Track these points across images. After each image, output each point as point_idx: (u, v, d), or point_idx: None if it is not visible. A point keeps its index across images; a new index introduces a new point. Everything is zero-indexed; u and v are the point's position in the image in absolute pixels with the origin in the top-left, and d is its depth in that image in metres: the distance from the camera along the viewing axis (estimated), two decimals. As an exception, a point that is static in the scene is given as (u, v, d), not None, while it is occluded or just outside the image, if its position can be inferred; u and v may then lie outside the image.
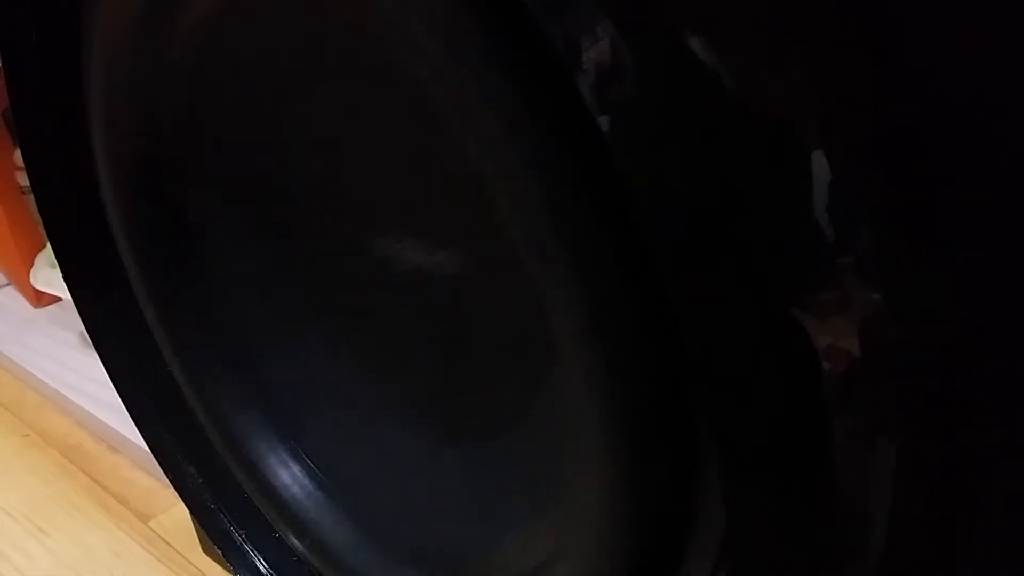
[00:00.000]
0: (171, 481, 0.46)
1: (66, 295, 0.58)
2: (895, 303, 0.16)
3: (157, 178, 0.37)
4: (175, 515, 0.64)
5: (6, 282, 0.99)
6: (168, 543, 0.63)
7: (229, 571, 0.47)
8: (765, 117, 0.16)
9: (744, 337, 0.17)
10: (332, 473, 0.40)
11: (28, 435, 0.76)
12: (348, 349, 0.38)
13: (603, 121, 0.17)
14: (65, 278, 0.44)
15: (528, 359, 0.29)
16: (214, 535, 0.46)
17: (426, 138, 0.27)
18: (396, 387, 0.37)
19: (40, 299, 0.93)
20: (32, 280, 0.88)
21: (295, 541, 0.41)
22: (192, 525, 0.58)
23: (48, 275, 0.85)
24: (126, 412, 0.46)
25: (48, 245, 0.43)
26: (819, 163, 0.16)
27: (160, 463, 0.47)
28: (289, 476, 0.40)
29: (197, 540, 0.60)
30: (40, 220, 0.43)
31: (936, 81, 0.16)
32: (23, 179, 0.89)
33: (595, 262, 0.19)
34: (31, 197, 0.44)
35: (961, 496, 0.18)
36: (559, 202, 0.19)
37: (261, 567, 0.45)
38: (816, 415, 0.17)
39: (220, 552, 0.46)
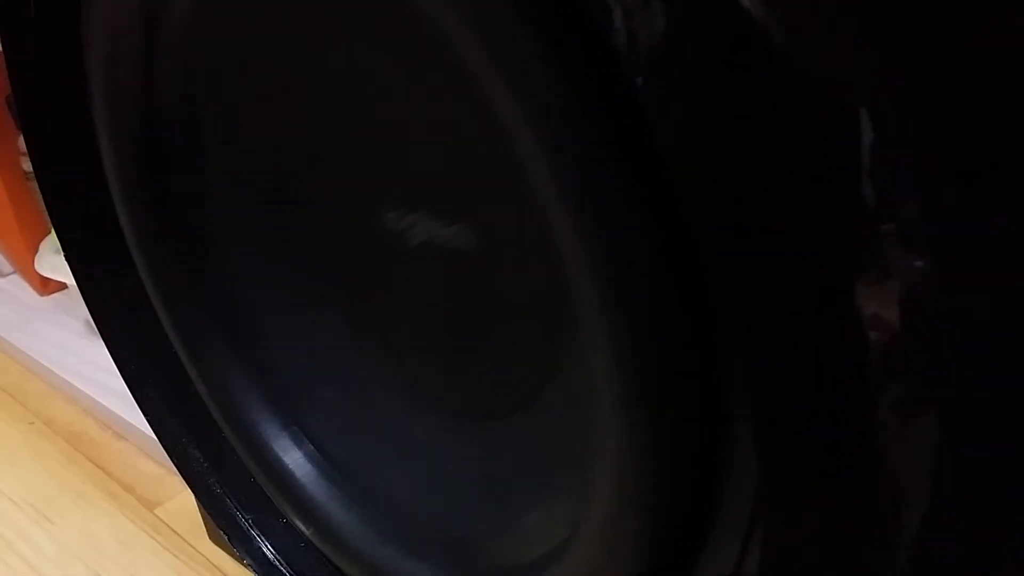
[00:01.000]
0: (176, 465, 0.46)
1: (71, 281, 0.57)
2: (940, 272, 0.16)
3: (160, 157, 0.37)
4: (181, 502, 0.64)
5: (11, 270, 0.99)
6: (174, 531, 0.62)
7: (236, 558, 0.46)
8: (808, 72, 0.15)
9: (785, 306, 0.17)
10: (339, 456, 0.40)
11: (33, 423, 0.76)
12: (356, 328, 0.38)
13: (640, 80, 0.16)
14: (69, 262, 0.44)
15: (544, 334, 0.28)
16: (220, 520, 0.46)
17: (440, 102, 0.26)
18: (405, 367, 0.36)
19: (46, 287, 0.93)
20: (37, 266, 0.87)
21: (302, 526, 0.41)
22: (198, 512, 0.58)
23: (53, 261, 0.85)
24: (132, 399, 0.46)
25: (52, 231, 0.43)
26: (863, 122, 0.15)
27: (165, 447, 0.46)
28: (295, 459, 0.40)
29: (203, 528, 0.60)
30: (44, 206, 0.43)
31: (989, 34, 0.16)
32: (27, 165, 0.88)
33: (624, 226, 0.19)
34: (35, 183, 0.44)
35: (1005, 479, 0.17)
36: (588, 164, 0.18)
37: (268, 553, 0.44)
38: (858, 387, 0.17)
39: (226, 538, 0.46)
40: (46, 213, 0.44)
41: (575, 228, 0.19)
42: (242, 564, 0.46)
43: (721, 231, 0.17)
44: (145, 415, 0.46)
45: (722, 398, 0.20)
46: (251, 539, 0.45)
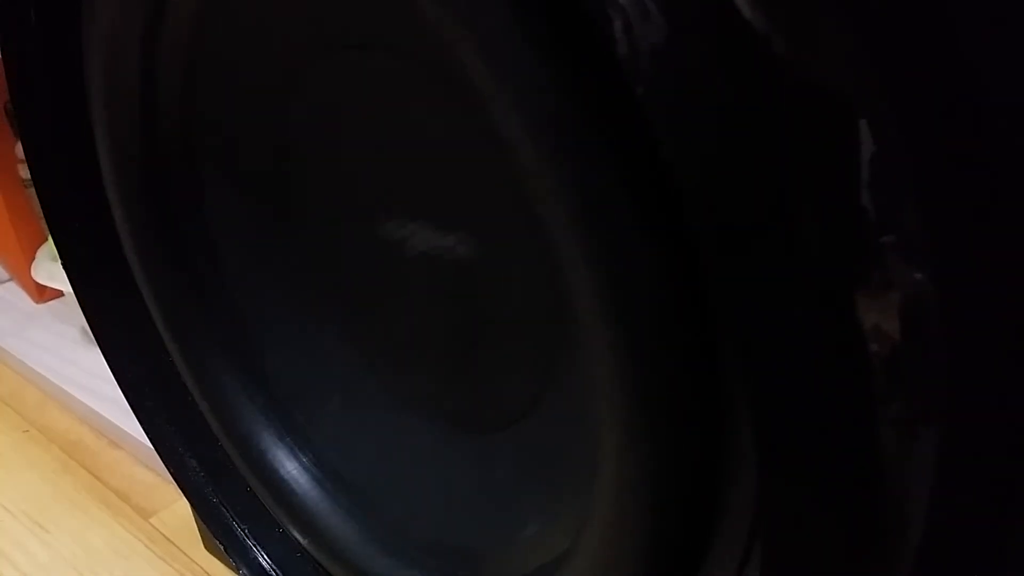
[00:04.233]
0: (172, 475, 0.46)
1: (68, 289, 0.57)
2: (940, 283, 0.16)
3: (160, 167, 0.37)
4: (177, 511, 0.64)
5: (8, 277, 0.99)
6: (170, 540, 0.62)
7: (231, 568, 0.46)
8: (808, 83, 0.16)
9: (786, 317, 0.17)
10: (337, 466, 0.39)
11: (29, 431, 0.76)
12: (355, 339, 0.37)
13: (640, 90, 0.16)
14: (66, 270, 0.44)
15: (545, 344, 0.28)
16: (216, 530, 0.45)
17: (440, 111, 0.26)
18: (404, 377, 0.36)
19: (42, 294, 0.93)
20: (33, 273, 0.87)
21: (299, 536, 0.41)
22: (194, 521, 0.58)
23: (50, 268, 0.85)
24: (128, 407, 0.46)
25: (50, 238, 0.43)
26: (863, 133, 0.15)
27: (161, 456, 0.46)
28: (293, 469, 0.40)
29: (199, 537, 0.60)
30: (41, 213, 0.43)
31: (990, 45, 0.16)
32: (25, 172, 0.88)
33: (625, 237, 0.19)
34: (33, 190, 0.44)
35: (1006, 491, 0.17)
36: (589, 174, 0.18)
37: (264, 563, 0.44)
38: (859, 398, 0.16)
39: (222, 548, 0.45)
40: (43, 220, 0.43)
41: (575, 239, 0.19)
42: (238, 574, 0.45)
43: (722, 242, 0.17)
44: (141, 423, 0.46)
45: (723, 410, 0.20)
46: (247, 549, 0.45)
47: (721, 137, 0.16)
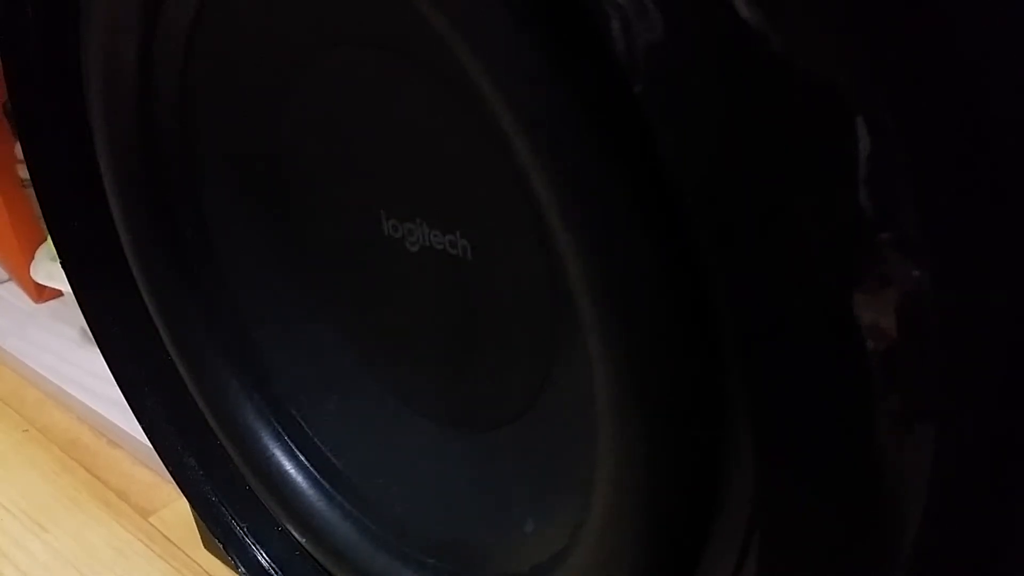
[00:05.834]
0: (171, 474, 0.46)
1: (67, 289, 0.58)
2: (937, 280, 0.16)
3: (159, 165, 0.37)
4: (176, 510, 0.64)
5: (7, 277, 0.99)
6: (169, 539, 0.62)
7: (231, 566, 0.46)
8: (805, 81, 0.16)
9: (783, 314, 0.17)
10: (336, 464, 0.39)
11: (28, 430, 0.76)
12: (353, 337, 0.38)
13: (638, 88, 0.16)
14: (65, 270, 0.44)
15: (543, 341, 0.28)
16: (215, 529, 0.46)
17: (439, 109, 0.26)
18: (403, 375, 0.36)
19: (41, 294, 0.93)
20: (32, 273, 0.87)
21: (298, 535, 0.41)
22: (193, 520, 0.58)
23: (49, 268, 0.85)
24: (126, 407, 0.46)
25: (49, 238, 0.43)
26: (859, 130, 0.15)
27: (160, 456, 0.46)
28: (291, 467, 0.40)
29: (198, 535, 0.60)
30: (40, 213, 0.43)
31: (988, 40, 0.16)
32: (23, 172, 0.88)
33: (623, 235, 0.19)
34: (31, 190, 0.44)
35: (1003, 488, 0.17)
36: (587, 172, 0.18)
37: (263, 562, 0.44)
38: (856, 395, 0.17)
39: (221, 547, 0.45)
40: (42, 220, 0.44)
41: (574, 237, 0.19)
42: (237, 573, 0.45)
43: (720, 238, 0.17)
44: (140, 423, 0.46)
45: (720, 407, 0.20)
46: (246, 548, 0.45)
47: (718, 134, 0.16)
